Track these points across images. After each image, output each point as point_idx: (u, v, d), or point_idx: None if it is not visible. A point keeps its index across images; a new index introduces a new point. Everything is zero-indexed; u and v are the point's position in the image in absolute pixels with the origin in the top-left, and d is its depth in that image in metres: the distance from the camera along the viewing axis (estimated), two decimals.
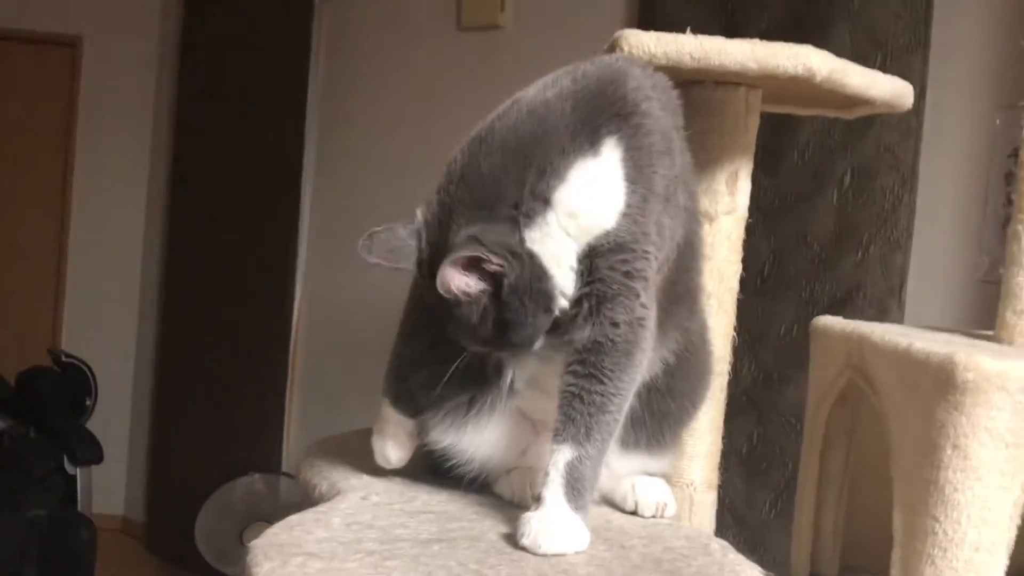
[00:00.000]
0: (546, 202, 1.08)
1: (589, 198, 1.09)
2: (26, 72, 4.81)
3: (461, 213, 1.08)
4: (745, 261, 1.62)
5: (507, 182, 1.08)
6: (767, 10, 2.70)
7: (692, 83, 1.49)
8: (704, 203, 1.53)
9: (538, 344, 1.13)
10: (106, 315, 4.82)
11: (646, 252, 1.12)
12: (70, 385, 4.00)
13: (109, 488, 4.47)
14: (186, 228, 4.53)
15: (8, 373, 3.87)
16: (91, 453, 3.75)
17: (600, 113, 1.11)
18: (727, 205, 1.55)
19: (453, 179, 1.11)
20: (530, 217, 1.08)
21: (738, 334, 1.64)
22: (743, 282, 1.63)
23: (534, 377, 1.22)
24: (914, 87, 1.62)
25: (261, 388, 4.06)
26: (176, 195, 4.60)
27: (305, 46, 3.93)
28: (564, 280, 1.10)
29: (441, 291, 1.06)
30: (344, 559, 1.00)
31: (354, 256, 1.12)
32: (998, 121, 2.40)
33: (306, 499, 1.34)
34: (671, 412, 1.28)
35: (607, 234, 1.10)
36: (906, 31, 2.50)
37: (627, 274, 1.11)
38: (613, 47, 1.38)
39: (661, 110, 1.17)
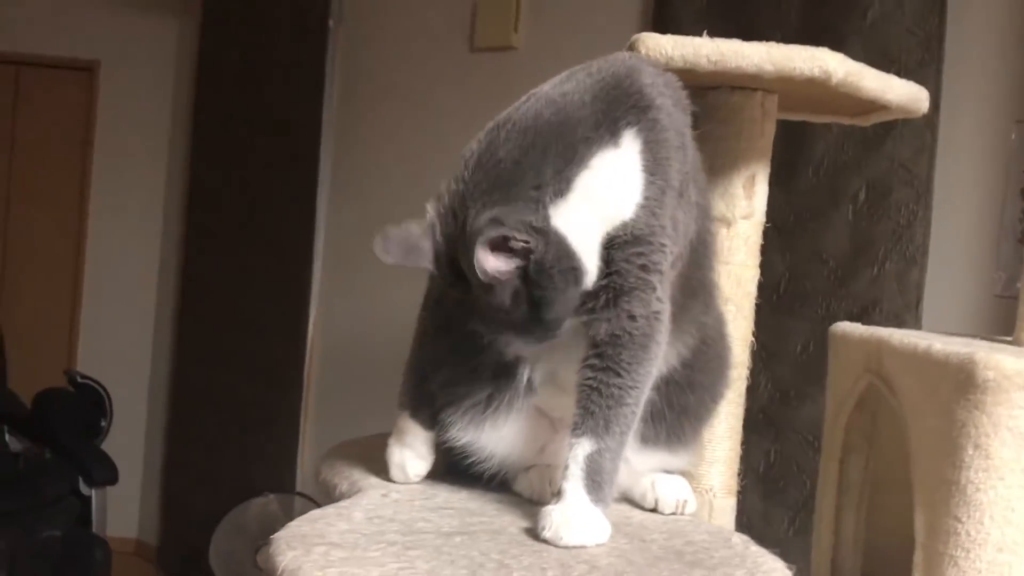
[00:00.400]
0: (568, 185, 1.08)
1: (610, 186, 1.09)
2: (44, 96, 4.86)
3: (476, 198, 1.08)
4: (760, 276, 1.62)
5: (527, 165, 1.08)
6: (779, 26, 2.71)
7: (709, 88, 1.51)
8: (721, 207, 1.53)
9: (566, 326, 1.12)
10: (121, 336, 4.84)
11: (663, 245, 1.12)
12: (85, 406, 3.98)
13: (122, 511, 4.46)
14: (201, 250, 4.56)
15: (25, 394, 3.87)
16: (106, 474, 3.74)
17: (619, 105, 1.12)
18: (744, 209, 1.55)
19: (467, 166, 1.11)
20: (553, 197, 1.07)
21: (755, 348, 1.63)
22: (758, 297, 1.62)
23: (552, 374, 1.22)
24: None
25: (275, 409, 4.05)
26: (192, 217, 4.63)
27: (320, 68, 3.94)
28: (589, 259, 1.10)
29: (479, 276, 1.04)
30: (367, 549, 1.01)
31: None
32: (1013, 135, 2.39)
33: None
34: (690, 406, 1.28)
35: (625, 225, 1.10)
36: (919, 47, 2.49)
37: (643, 267, 1.11)
38: (631, 49, 1.39)
39: (674, 106, 1.18)
